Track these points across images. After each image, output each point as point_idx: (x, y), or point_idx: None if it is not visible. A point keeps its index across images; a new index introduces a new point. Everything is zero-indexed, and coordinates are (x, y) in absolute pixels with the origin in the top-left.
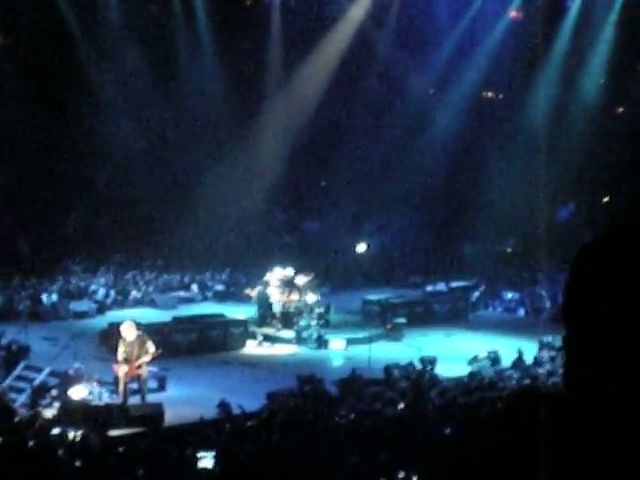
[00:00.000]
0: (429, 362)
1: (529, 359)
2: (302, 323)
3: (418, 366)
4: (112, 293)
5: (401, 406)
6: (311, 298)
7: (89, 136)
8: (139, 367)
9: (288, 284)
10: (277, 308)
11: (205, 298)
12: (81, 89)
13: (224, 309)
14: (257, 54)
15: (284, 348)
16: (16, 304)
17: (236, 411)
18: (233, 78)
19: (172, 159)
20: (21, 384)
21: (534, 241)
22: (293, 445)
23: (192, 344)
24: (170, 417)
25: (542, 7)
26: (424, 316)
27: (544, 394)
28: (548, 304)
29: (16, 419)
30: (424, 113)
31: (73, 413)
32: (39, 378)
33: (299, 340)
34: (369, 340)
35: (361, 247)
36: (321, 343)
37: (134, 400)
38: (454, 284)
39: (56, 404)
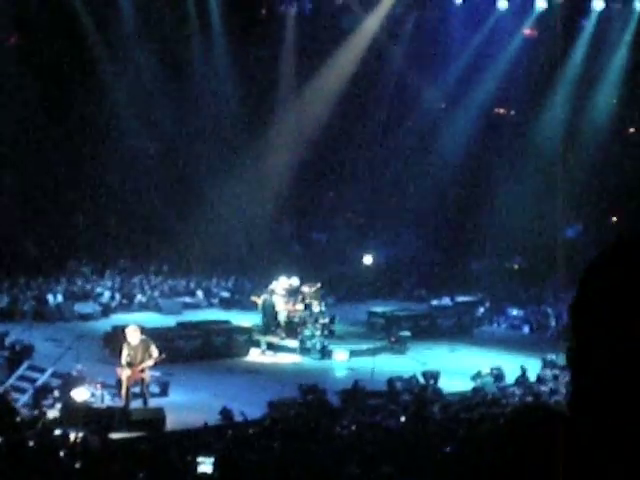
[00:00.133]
0: (432, 376)
1: (532, 376)
2: (306, 333)
3: (421, 380)
4: (117, 296)
5: (403, 419)
6: (316, 308)
7: (99, 137)
8: (142, 371)
9: (293, 293)
10: (282, 317)
11: (210, 304)
12: (92, 90)
13: (229, 316)
14: (270, 63)
15: (288, 357)
16: (21, 304)
17: (238, 418)
18: (245, 86)
19: (181, 165)
20: (24, 384)
21: (541, 259)
22: (294, 454)
23: (196, 350)
24: (172, 422)
25: (557, 26)
26: (428, 330)
27: (548, 411)
28: (553, 322)
29: (18, 419)
30: (435, 127)
31: (75, 415)
32: (42, 379)
33: (303, 350)
34: (373, 352)
35: (367, 259)
36: (325, 353)
37: (136, 404)
38: (459, 299)
39: (58, 405)
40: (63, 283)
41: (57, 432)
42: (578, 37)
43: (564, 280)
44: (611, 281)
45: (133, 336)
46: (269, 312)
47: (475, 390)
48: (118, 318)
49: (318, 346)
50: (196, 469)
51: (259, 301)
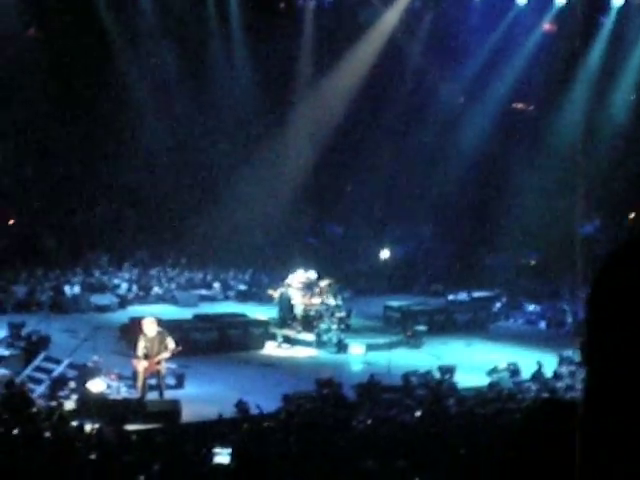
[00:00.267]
0: (448, 371)
1: (548, 372)
2: (322, 326)
3: (437, 375)
4: (134, 288)
5: (418, 414)
6: (332, 302)
7: (117, 132)
8: (158, 363)
9: (310, 287)
10: (298, 310)
11: (227, 297)
12: (111, 85)
13: (245, 309)
14: (289, 57)
15: (304, 351)
16: (38, 295)
17: (254, 411)
18: (263, 80)
19: (199, 158)
20: (40, 375)
21: (558, 255)
22: (309, 447)
23: (212, 343)
24: (187, 414)
25: (576, 21)
26: (445, 325)
27: (564, 407)
28: (570, 318)
29: (34, 410)
30: (453, 122)
31: (90, 406)
32: (58, 370)
33: (319, 343)
34: (389, 346)
35: (384, 253)
36: (341, 347)
37: (152, 396)
38: (476, 294)
39: (74, 396)
40: (80, 275)
41: (73, 423)
42: (597, 32)
43: (581, 276)
44: (626, 278)
45: (150, 328)
46: (285, 305)
47: (491, 385)
48: (135, 310)
49: (334, 340)
50: (212, 460)
51: (276, 294)
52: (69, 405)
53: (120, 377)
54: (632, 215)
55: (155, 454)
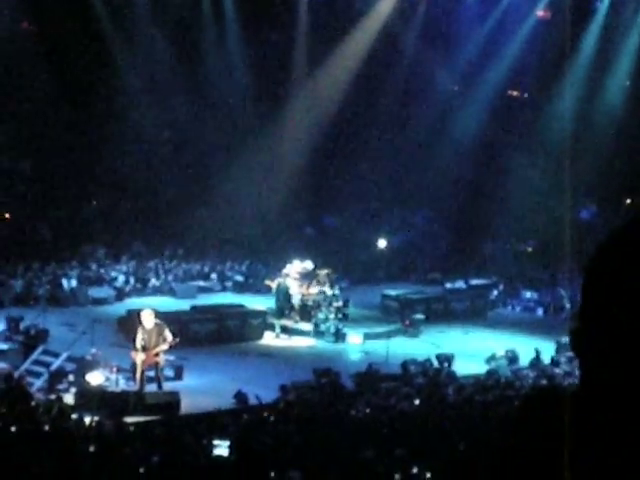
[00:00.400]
0: (446, 359)
1: (546, 359)
2: (320, 316)
3: (435, 363)
4: (132, 280)
5: (417, 402)
6: (330, 291)
7: (113, 123)
8: (156, 355)
9: (307, 277)
10: (296, 300)
11: (224, 288)
12: (106, 76)
13: (243, 300)
14: (283, 46)
15: (302, 340)
16: (36, 289)
17: (253, 402)
18: (259, 70)
19: (195, 149)
20: (39, 368)
21: (555, 241)
22: (308, 437)
23: (210, 334)
24: (186, 406)
25: (570, 7)
26: (442, 313)
27: (563, 393)
28: (568, 304)
29: (32, 403)
30: (448, 110)
31: (89, 399)
32: (56, 363)
33: (317, 333)
34: (387, 335)
35: (381, 242)
36: (339, 337)
37: (150, 388)
38: (473, 282)
39: (73, 389)
40: (77, 268)
41: (72, 416)
42: (592, 18)
43: (578, 262)
44: (619, 264)
45: (147, 320)
46: (283, 296)
47: (489, 373)
48: (132, 302)
49: (332, 329)
50: (212, 452)
51: (273, 285)
52: (68, 398)
53: (119, 369)
54: (628, 201)
55: (154, 446)
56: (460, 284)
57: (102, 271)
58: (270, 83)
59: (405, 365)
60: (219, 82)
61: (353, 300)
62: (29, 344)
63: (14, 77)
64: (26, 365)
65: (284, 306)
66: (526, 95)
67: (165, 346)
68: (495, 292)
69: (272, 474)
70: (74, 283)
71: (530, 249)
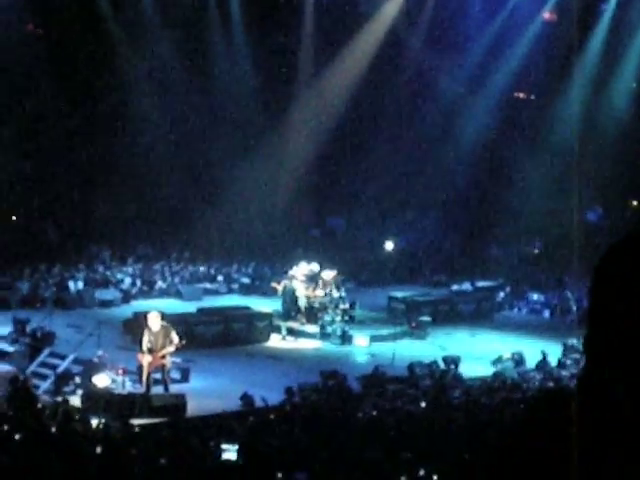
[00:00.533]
0: (452, 361)
1: (553, 361)
2: (327, 318)
3: (442, 365)
4: (138, 282)
5: (423, 405)
6: (336, 294)
7: (118, 124)
8: (163, 357)
9: (313, 279)
10: (302, 302)
11: (230, 290)
12: (111, 77)
13: (249, 302)
14: (289, 48)
15: (308, 343)
16: (42, 291)
17: (259, 404)
18: (264, 73)
19: (201, 150)
20: (45, 370)
21: (561, 243)
22: (315, 439)
23: (216, 336)
24: (192, 408)
25: (576, 10)
26: (449, 315)
27: (570, 396)
28: (574, 307)
29: (39, 406)
30: (454, 112)
31: (96, 401)
32: (63, 365)
33: (323, 335)
34: (393, 337)
35: (388, 244)
36: (345, 339)
37: (157, 390)
38: (480, 284)
39: (79, 391)
40: (84, 270)
41: (78, 418)
42: (598, 20)
43: (584, 264)
44: (628, 267)
45: (154, 322)
46: (289, 298)
47: (496, 375)
48: (139, 304)
49: (338, 331)
50: (220, 456)
51: (279, 287)
52: (74, 400)
53: (125, 372)
54: (635, 203)
55: (161, 448)
56: (466, 286)
57: (108, 273)
58: (276, 85)
59: (411, 367)
60: (225, 84)
61: (359, 302)
62: (35, 346)
63: (20, 79)
64: (32, 367)
65: (290, 308)
66: (532, 97)
67: (171, 348)
68: (501, 294)
69: (279, 476)
70: (80, 285)
71: (536, 251)
